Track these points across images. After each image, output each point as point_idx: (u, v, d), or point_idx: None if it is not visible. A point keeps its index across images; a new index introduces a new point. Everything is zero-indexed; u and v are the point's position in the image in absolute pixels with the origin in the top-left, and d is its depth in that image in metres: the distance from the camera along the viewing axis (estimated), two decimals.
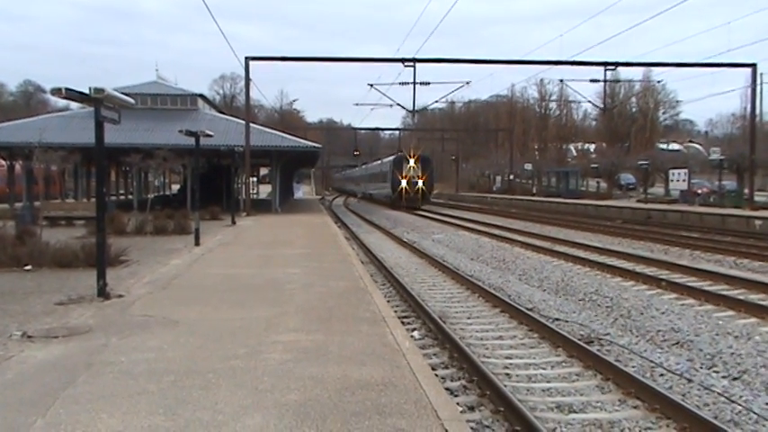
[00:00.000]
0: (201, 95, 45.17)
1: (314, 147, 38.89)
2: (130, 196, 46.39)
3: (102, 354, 6.83)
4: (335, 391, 5.59)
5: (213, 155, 35.84)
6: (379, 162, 60.84)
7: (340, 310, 9.10)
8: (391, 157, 52.29)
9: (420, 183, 47.63)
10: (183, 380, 5.91)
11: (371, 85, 38.41)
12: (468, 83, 39.07)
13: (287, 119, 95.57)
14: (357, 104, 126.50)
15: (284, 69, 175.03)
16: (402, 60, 34.31)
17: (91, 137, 10.25)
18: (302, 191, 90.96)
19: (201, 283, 11.63)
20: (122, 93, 10.62)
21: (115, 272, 12.33)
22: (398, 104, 40.29)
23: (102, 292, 9.97)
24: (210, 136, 21.13)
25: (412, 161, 47.91)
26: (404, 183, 47.28)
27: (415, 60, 34.27)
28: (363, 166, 75.83)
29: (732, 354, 8.48)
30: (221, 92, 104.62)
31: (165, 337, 7.55)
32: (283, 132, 42.24)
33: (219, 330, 7.86)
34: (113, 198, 46.05)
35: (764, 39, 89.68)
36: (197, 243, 18.34)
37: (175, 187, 60.79)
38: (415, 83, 35.20)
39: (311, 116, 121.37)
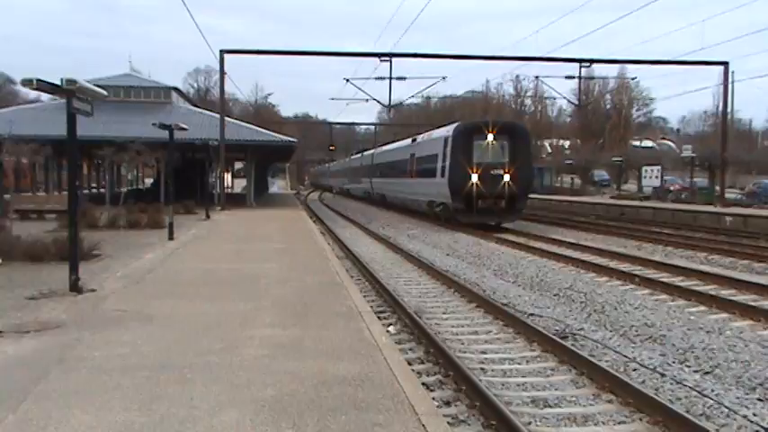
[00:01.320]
0: (175, 88, 44.77)
1: (289, 141, 38.73)
2: (103, 190, 45.80)
3: (75, 349, 6.73)
4: (312, 387, 5.57)
5: (187, 148, 35.45)
6: (413, 142, 35.55)
7: (316, 305, 9.07)
8: (448, 129, 28.00)
9: (507, 177, 25.62)
10: (157, 375, 5.85)
11: (347, 80, 38.02)
12: (444, 78, 38.20)
13: (262, 113, 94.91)
14: (333, 99, 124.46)
15: (259, 63, 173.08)
16: (378, 55, 34.21)
17: (62, 129, 10.08)
18: (277, 185, 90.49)
19: (176, 278, 11.52)
20: (95, 85, 10.47)
21: (88, 266, 12.15)
22: (374, 99, 39.69)
23: (75, 287, 9.84)
24: (185, 129, 20.94)
25: (490, 136, 25.76)
26: (474, 177, 25.49)
27: (391, 55, 34.19)
28: (370, 152, 50.15)
29: (704, 348, 8.60)
30: (195, 85, 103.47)
31: (140, 331, 7.47)
32: (258, 126, 41.98)
33: (195, 325, 7.79)
34: (85, 191, 45.48)
35: (738, 37, 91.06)
36: (171, 237, 18.17)
37: (149, 181, 60.06)
38: (391, 78, 35.15)
39: (286, 110, 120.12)
